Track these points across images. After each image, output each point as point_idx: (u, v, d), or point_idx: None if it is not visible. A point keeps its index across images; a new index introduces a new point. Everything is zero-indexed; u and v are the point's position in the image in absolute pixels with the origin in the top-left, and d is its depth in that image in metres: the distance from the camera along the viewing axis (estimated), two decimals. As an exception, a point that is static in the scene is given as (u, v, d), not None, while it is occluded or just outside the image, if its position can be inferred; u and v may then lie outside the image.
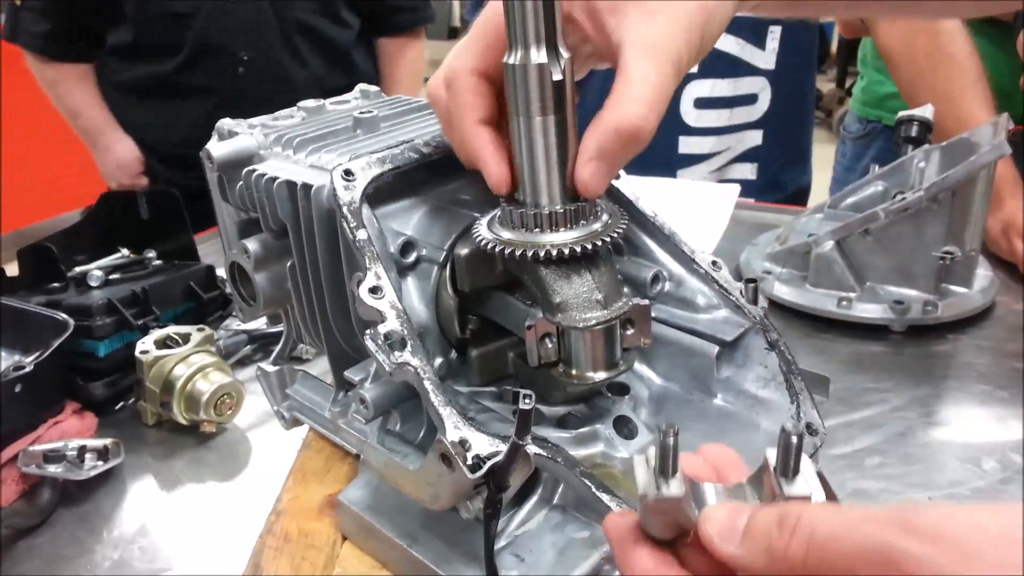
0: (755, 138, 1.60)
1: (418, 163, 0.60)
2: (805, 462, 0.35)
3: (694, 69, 1.52)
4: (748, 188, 1.55)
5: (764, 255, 1.08)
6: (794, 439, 0.34)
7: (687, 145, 1.59)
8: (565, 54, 0.48)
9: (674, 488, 0.34)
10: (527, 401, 0.38)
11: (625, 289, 0.62)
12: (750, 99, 1.56)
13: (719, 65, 1.51)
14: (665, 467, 0.35)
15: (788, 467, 0.35)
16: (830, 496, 0.35)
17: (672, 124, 1.58)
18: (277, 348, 0.70)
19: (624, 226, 0.53)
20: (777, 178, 1.62)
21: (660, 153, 1.61)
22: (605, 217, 0.53)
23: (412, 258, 0.57)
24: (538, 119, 0.49)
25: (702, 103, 1.55)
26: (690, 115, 1.56)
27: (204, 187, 0.67)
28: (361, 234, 0.53)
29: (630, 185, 0.66)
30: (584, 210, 0.52)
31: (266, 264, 0.63)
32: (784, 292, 1.01)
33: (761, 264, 1.07)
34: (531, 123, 0.49)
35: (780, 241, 1.08)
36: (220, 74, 1.61)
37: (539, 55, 0.48)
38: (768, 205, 1.45)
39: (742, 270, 1.09)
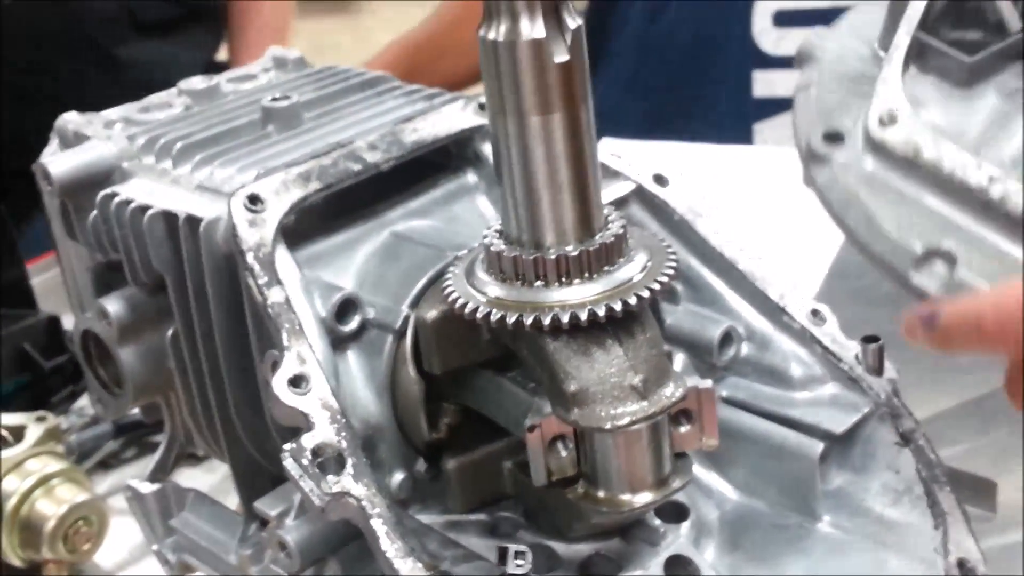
0: None
1: (361, 177, 0.63)
2: None
3: None
4: None
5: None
6: None
7: (766, 83, 1.61)
8: (573, 22, 0.51)
9: None
10: (520, 563, 0.41)
11: (679, 361, 0.65)
12: None
13: None
14: None
15: None
16: None
17: (740, 51, 1.60)
18: (157, 456, 0.73)
19: (672, 270, 0.55)
20: None
21: (726, 96, 1.64)
22: (642, 257, 0.56)
23: (354, 324, 0.60)
24: (535, 120, 0.52)
25: (785, 18, 1.57)
26: (767, 36, 1.59)
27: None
28: (275, 294, 0.56)
29: (684, 193, 0.69)
30: (610, 249, 0.54)
31: (136, 333, 0.65)
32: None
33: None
34: (525, 125, 0.52)
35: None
36: None
37: (534, 25, 0.50)
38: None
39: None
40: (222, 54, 1.94)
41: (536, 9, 0.50)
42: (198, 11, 1.83)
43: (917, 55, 0.68)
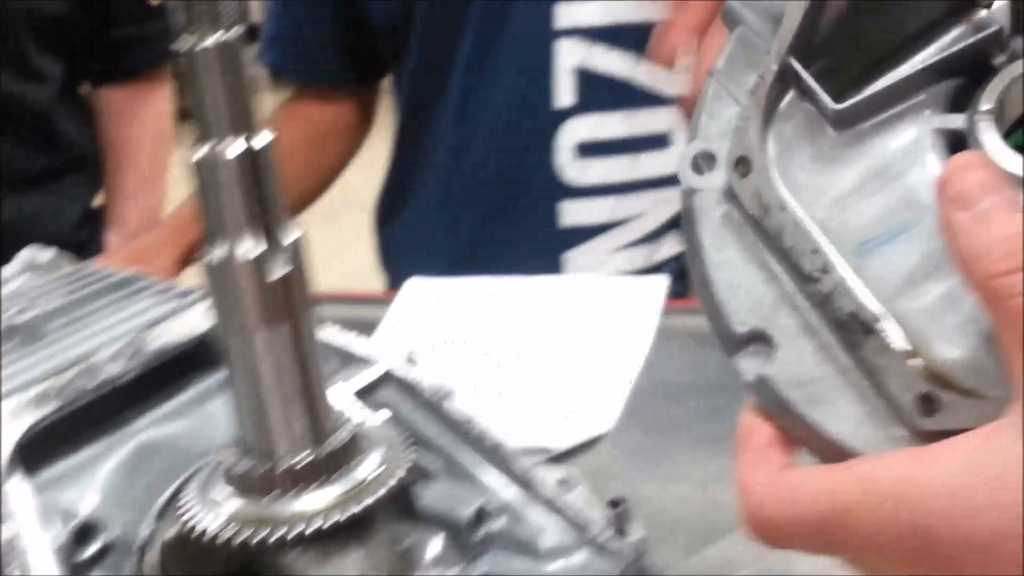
0: (676, 198, 1.71)
1: (101, 392, 0.62)
2: None
3: (567, 102, 1.62)
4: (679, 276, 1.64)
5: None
6: None
7: (572, 213, 1.67)
8: (289, 236, 0.53)
9: None
10: None
11: (436, 543, 0.66)
12: (658, 141, 1.66)
13: (606, 94, 1.61)
14: None
15: None
16: None
17: (545, 183, 1.66)
18: None
19: (410, 462, 0.57)
20: None
21: (534, 228, 1.68)
22: (378, 453, 0.57)
23: (95, 548, 0.58)
24: (258, 334, 0.53)
25: (587, 149, 1.64)
26: (570, 168, 1.65)
27: None
28: (3, 531, 0.55)
29: (436, 373, 0.71)
30: (344, 451, 0.56)
31: None
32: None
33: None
34: (249, 341, 0.53)
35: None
36: None
37: (250, 245, 0.52)
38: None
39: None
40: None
41: (248, 230, 0.51)
42: (73, 160, 1.77)
43: (793, 78, 0.54)
